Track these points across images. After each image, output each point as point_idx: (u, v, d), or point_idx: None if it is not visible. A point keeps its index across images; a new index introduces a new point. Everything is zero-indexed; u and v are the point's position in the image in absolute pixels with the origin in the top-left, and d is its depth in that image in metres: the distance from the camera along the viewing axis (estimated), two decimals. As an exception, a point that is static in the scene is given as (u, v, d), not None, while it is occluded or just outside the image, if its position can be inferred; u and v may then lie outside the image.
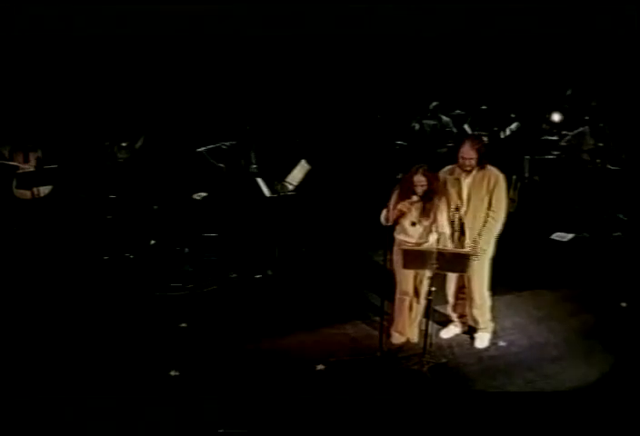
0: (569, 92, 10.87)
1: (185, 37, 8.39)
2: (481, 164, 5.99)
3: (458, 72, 11.60)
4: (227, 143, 8.42)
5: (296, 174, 8.16)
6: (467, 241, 6.02)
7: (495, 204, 5.98)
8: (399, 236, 6.13)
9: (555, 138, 10.23)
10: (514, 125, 10.68)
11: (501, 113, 11.00)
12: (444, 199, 5.98)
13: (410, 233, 6.06)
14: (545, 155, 9.86)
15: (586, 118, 9.70)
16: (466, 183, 6.02)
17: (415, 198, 5.91)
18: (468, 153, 5.93)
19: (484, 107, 11.08)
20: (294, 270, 7.84)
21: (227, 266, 7.76)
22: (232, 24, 8.10)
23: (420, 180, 5.87)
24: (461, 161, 5.98)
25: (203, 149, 8.35)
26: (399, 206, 5.94)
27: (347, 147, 10.52)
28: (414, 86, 11.24)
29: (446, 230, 6.00)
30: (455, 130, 10.49)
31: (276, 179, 8.16)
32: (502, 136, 10.56)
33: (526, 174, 9.69)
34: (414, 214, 5.98)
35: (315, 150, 9.54)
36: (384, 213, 6.01)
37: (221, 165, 8.34)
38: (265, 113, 10.26)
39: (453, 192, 6.03)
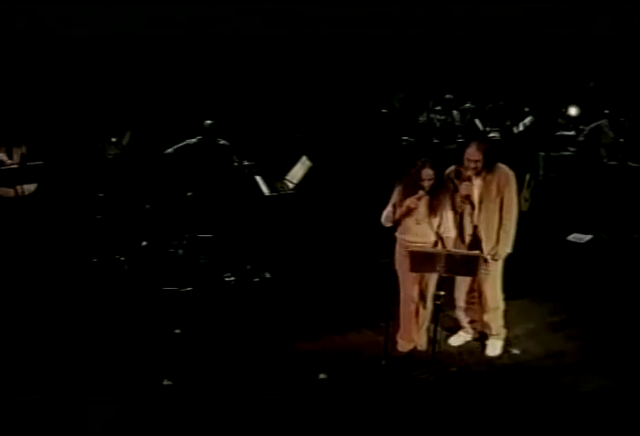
0: (592, 84, 10.74)
1: (173, 34, 8.59)
2: (489, 167, 5.83)
3: (470, 65, 11.67)
4: (194, 140, 8.43)
5: (297, 172, 8.11)
6: (485, 249, 5.85)
7: (507, 204, 5.86)
8: (403, 236, 5.95)
9: (571, 133, 10.26)
10: (528, 120, 10.74)
11: (514, 108, 11.10)
12: (448, 196, 5.86)
13: (415, 232, 5.88)
14: (560, 151, 9.81)
15: (606, 112, 9.63)
16: (477, 185, 5.87)
17: (421, 193, 5.77)
18: (474, 154, 5.77)
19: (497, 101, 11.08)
20: (294, 273, 7.74)
21: (223, 269, 7.66)
22: (228, 21, 8.23)
23: (428, 173, 5.76)
24: (466, 163, 5.83)
25: (169, 150, 8.41)
26: (407, 202, 5.78)
27: (351, 143, 10.54)
28: (422, 79, 11.34)
29: (452, 233, 5.88)
30: (463, 120, 10.64)
31: (276, 176, 8.09)
32: (515, 131, 10.66)
33: (541, 172, 9.68)
34: (420, 211, 5.83)
35: (316, 146, 9.48)
36: (385, 212, 5.92)
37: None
38: (265, 108, 10.38)
39: (463, 194, 5.85)
